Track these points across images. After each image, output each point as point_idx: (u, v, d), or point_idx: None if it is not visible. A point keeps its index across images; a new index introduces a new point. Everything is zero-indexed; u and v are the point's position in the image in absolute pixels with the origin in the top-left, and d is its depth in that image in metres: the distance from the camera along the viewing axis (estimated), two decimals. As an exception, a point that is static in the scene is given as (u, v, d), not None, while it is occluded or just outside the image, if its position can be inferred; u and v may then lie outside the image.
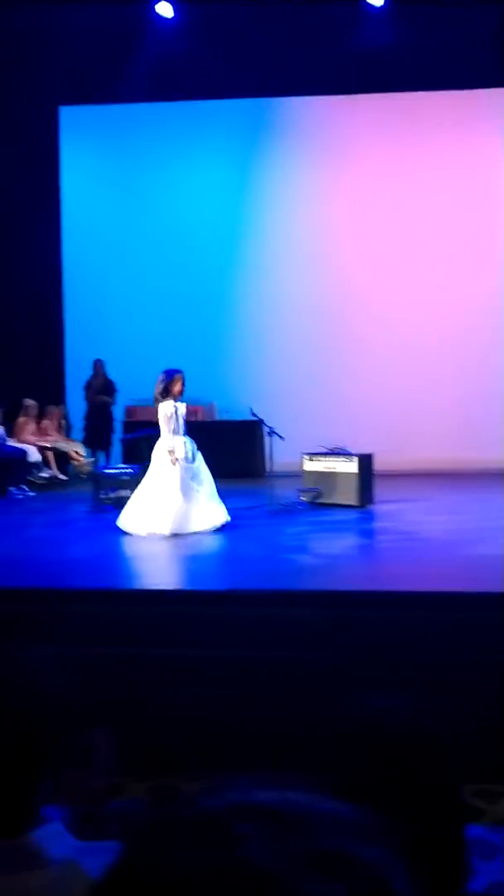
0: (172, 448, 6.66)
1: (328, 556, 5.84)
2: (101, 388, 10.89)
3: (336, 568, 5.47)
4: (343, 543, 6.41)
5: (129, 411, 10.71)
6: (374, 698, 1.45)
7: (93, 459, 10.64)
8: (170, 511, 6.55)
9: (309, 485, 8.19)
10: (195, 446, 6.93)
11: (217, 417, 10.88)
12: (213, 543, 6.48)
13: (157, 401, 6.78)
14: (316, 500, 8.02)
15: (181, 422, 6.79)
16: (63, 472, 10.44)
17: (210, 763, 3.35)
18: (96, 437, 10.94)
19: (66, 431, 11.08)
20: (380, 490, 8.41)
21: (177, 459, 6.64)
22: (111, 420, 10.98)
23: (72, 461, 10.61)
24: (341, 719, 1.42)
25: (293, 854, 0.58)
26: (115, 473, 8.40)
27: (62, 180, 11.64)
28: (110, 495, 8.05)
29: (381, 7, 9.82)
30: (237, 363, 11.09)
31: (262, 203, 11.46)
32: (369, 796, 1.29)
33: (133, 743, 2.95)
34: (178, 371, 6.86)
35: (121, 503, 7.38)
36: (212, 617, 4.37)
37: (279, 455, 8.46)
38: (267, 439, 8.35)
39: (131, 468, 8.28)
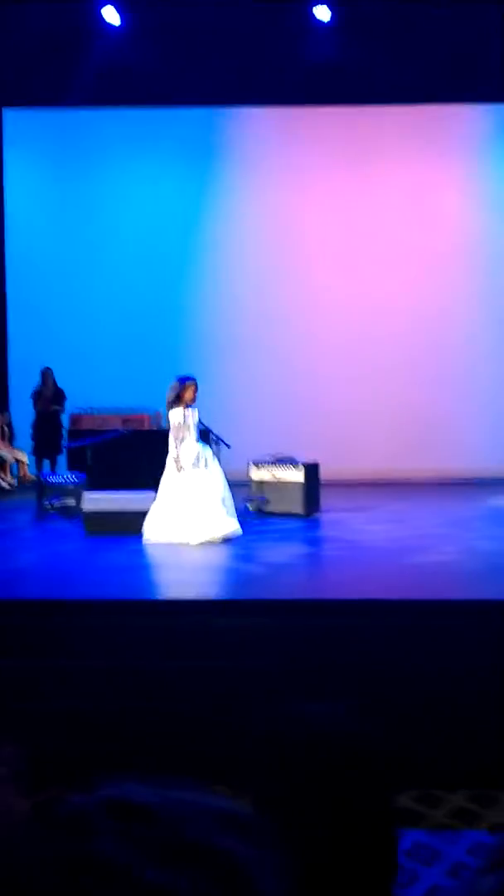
0: (177, 456, 6.68)
1: (273, 565, 5.83)
2: (52, 397, 10.74)
3: (280, 577, 5.46)
4: (288, 552, 6.42)
5: (74, 419, 10.58)
6: (309, 705, 1.44)
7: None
8: (189, 519, 6.54)
9: (255, 493, 8.19)
10: (211, 452, 6.97)
11: (164, 426, 10.79)
12: (158, 553, 6.43)
13: (168, 407, 6.79)
14: (262, 508, 8.02)
15: (192, 429, 6.82)
16: (7, 480, 10.28)
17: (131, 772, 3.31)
18: (44, 445, 10.79)
19: (10, 440, 10.90)
20: (326, 499, 8.47)
21: (181, 467, 6.66)
22: (60, 428, 10.83)
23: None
24: (272, 726, 1.41)
25: (146, 846, 0.58)
26: (59, 482, 8.30)
27: (5, 184, 11.47)
28: (55, 503, 7.95)
29: (330, 21, 9.91)
30: (184, 371, 11.02)
31: (208, 211, 11.46)
32: (295, 802, 1.29)
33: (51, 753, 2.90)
34: (190, 378, 6.93)
35: (66, 511, 7.26)
36: (151, 626, 4.34)
37: (226, 464, 8.44)
38: (213, 448, 8.33)
39: (76, 476, 8.21)
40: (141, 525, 6.75)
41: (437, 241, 11.25)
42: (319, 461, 8.45)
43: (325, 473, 8.62)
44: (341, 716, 1.44)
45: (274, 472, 8.18)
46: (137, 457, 8.37)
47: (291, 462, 8.16)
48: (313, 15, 9.92)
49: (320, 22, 9.95)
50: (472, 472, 10.70)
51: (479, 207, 11.39)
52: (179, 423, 6.75)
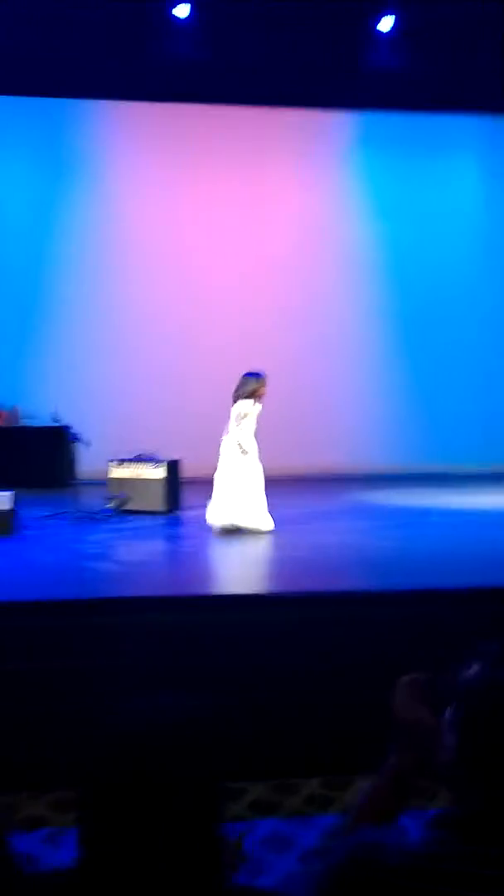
0: (241, 442, 6.90)
1: (129, 563, 5.77)
2: None
3: (136, 574, 5.41)
4: (146, 549, 6.36)
5: None
6: (142, 699, 1.43)
7: None
8: (253, 506, 6.81)
9: (116, 492, 8.08)
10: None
11: (21, 422, 10.48)
12: (5, 550, 6.22)
13: (242, 398, 6.94)
14: (122, 506, 7.92)
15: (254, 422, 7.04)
16: None
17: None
18: None
19: None
20: (188, 496, 8.46)
21: (246, 451, 6.88)
22: None
23: None
24: (102, 721, 1.38)
25: None
26: None
27: None
28: None
29: (190, 18, 9.89)
30: (42, 366, 10.75)
31: (70, 204, 11.19)
32: (123, 796, 1.27)
33: None
34: (264, 375, 7.11)
35: None
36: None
37: (86, 462, 8.29)
38: (72, 446, 8.17)
39: None
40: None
41: (300, 244, 11.46)
42: (182, 458, 8.43)
43: (187, 471, 8.60)
44: (175, 709, 1.43)
45: (134, 470, 8.10)
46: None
47: (152, 459, 8.10)
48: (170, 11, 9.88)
49: (180, 19, 9.93)
50: (338, 468, 10.98)
51: (341, 211, 11.70)
52: (250, 414, 6.91)
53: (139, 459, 8.14)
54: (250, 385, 7.00)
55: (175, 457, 8.32)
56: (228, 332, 11.20)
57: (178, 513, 8.08)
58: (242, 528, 6.78)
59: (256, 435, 7.04)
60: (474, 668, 1.40)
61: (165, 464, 8.01)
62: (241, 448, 6.90)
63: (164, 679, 4.05)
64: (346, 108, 11.30)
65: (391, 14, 9.79)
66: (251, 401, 6.97)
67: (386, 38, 10.13)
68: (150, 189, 11.23)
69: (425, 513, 8.09)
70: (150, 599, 4.62)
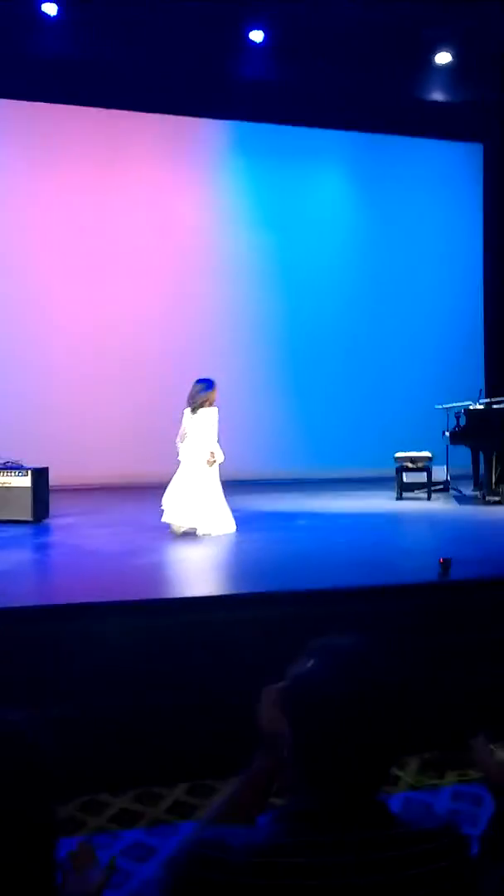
0: (214, 451, 7.08)
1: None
2: None
3: (0, 584, 5.26)
4: (11, 559, 6.20)
5: None
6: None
7: None
8: (216, 511, 7.06)
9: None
10: None
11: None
12: None
13: (203, 406, 7.10)
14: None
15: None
16: None
17: None
18: None
19: None
20: (56, 504, 8.31)
21: (215, 462, 7.09)
22: None
23: None
24: None
25: None
26: None
27: None
28: None
29: (58, 16, 9.72)
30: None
31: None
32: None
33: None
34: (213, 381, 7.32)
35: None
36: None
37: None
38: None
39: None
40: None
41: (169, 249, 11.46)
42: (50, 466, 8.27)
43: (56, 479, 8.45)
44: (12, 724, 1.40)
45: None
46: None
47: (18, 467, 7.90)
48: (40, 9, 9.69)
49: (50, 17, 9.74)
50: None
51: (213, 217, 11.77)
52: (215, 422, 7.11)
53: (4, 467, 7.92)
54: (213, 393, 7.20)
55: (43, 465, 8.15)
56: (92, 339, 11.09)
57: (46, 521, 7.92)
58: (203, 532, 7.02)
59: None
60: (301, 664, 1.45)
61: (31, 472, 7.82)
62: (212, 456, 7.08)
63: (30, 690, 3.96)
64: (217, 117, 11.41)
65: (260, 28, 9.94)
66: (215, 408, 7.17)
67: (258, 51, 10.28)
68: (12, 188, 10.96)
69: (293, 517, 8.25)
70: (12, 610, 4.51)
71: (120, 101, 10.70)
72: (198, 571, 5.82)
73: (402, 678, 1.43)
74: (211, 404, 7.17)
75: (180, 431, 7.28)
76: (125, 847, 3.61)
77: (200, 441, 7.12)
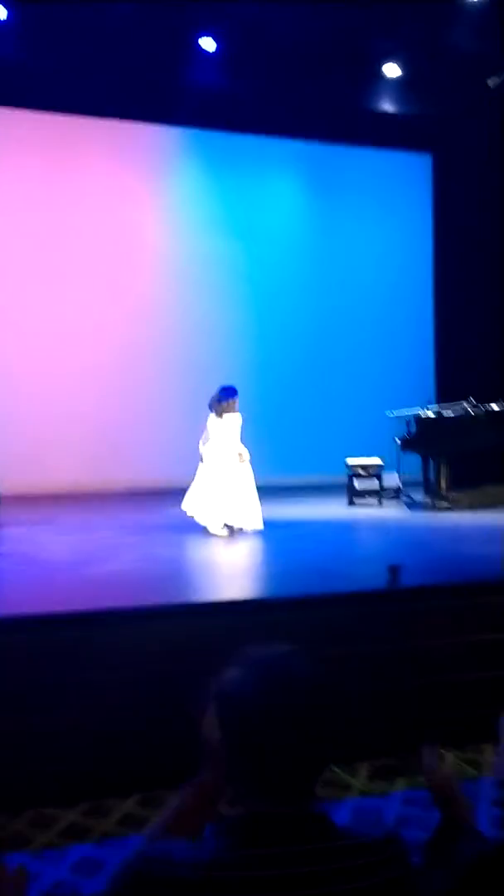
0: (241, 452, 7.57)
1: None
2: None
3: None
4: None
5: None
6: None
7: None
8: (257, 507, 7.57)
9: None
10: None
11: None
12: None
13: (227, 411, 7.52)
14: None
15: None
16: None
17: None
18: None
19: None
20: (7, 513, 8.20)
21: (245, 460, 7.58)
22: None
23: None
24: None
25: None
26: None
27: None
28: None
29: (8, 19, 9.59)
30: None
31: None
32: None
33: None
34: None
35: None
36: None
37: None
38: None
39: None
40: None
41: (117, 256, 11.40)
42: (0, 475, 8.17)
43: (7, 487, 8.35)
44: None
45: None
46: None
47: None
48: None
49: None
50: (161, 483, 10.94)
51: (163, 225, 11.75)
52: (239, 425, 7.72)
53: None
54: (236, 400, 7.62)
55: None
56: (41, 347, 10.98)
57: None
58: (237, 528, 7.49)
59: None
60: (226, 675, 1.46)
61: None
62: (241, 457, 7.56)
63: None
64: (168, 123, 11.39)
65: (211, 35, 9.95)
66: (239, 413, 7.66)
67: (209, 58, 10.28)
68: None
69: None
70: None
71: (68, 105, 10.58)
72: (145, 581, 5.77)
73: (326, 685, 1.44)
74: (235, 409, 7.60)
75: (204, 435, 7.60)
76: (74, 862, 3.57)
77: (227, 443, 7.53)
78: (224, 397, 7.59)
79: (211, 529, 7.50)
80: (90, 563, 6.23)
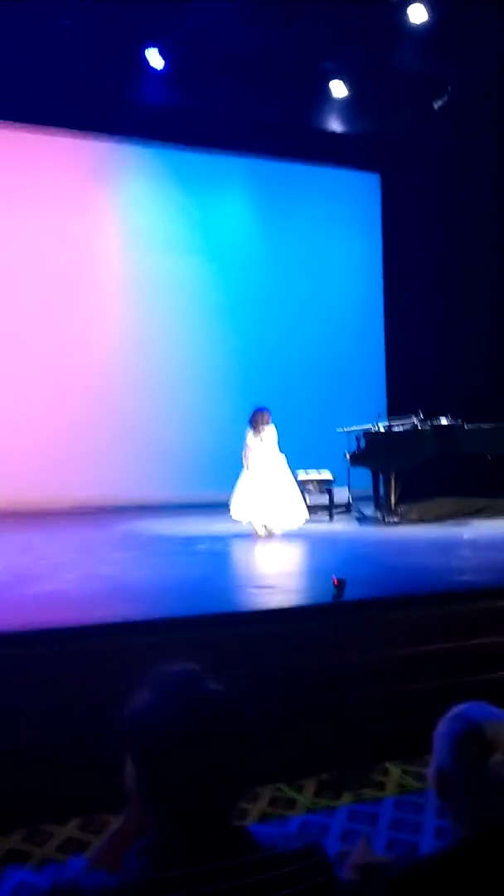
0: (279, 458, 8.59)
1: None
2: None
3: None
4: None
5: None
6: None
7: None
8: (300, 504, 8.70)
9: None
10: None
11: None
12: None
13: (262, 424, 8.55)
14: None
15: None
16: None
17: None
18: None
19: None
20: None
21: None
22: None
23: None
24: None
25: None
26: None
27: None
28: None
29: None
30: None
31: None
32: None
33: None
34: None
35: None
36: None
37: None
38: None
39: None
40: None
41: (63, 270, 11.31)
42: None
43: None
44: None
45: None
46: None
47: None
48: None
49: None
50: (109, 500, 10.84)
51: (110, 240, 11.70)
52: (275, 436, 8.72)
53: None
54: (266, 416, 8.62)
55: None
56: (8, 361, 10.84)
57: None
58: (273, 531, 8.44)
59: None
60: (136, 696, 1.43)
61: None
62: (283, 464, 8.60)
63: None
64: (116, 137, 11.36)
65: (157, 48, 9.97)
66: (273, 426, 8.65)
67: (157, 73, 10.29)
68: None
69: (193, 541, 8.18)
70: None
71: (14, 115, 10.49)
72: (85, 600, 5.62)
73: (237, 704, 1.41)
74: (268, 422, 8.60)
75: (245, 450, 8.53)
76: (12, 888, 3.46)
77: (270, 453, 8.50)
78: (256, 413, 8.63)
79: (257, 530, 8.43)
80: (29, 581, 6.09)
